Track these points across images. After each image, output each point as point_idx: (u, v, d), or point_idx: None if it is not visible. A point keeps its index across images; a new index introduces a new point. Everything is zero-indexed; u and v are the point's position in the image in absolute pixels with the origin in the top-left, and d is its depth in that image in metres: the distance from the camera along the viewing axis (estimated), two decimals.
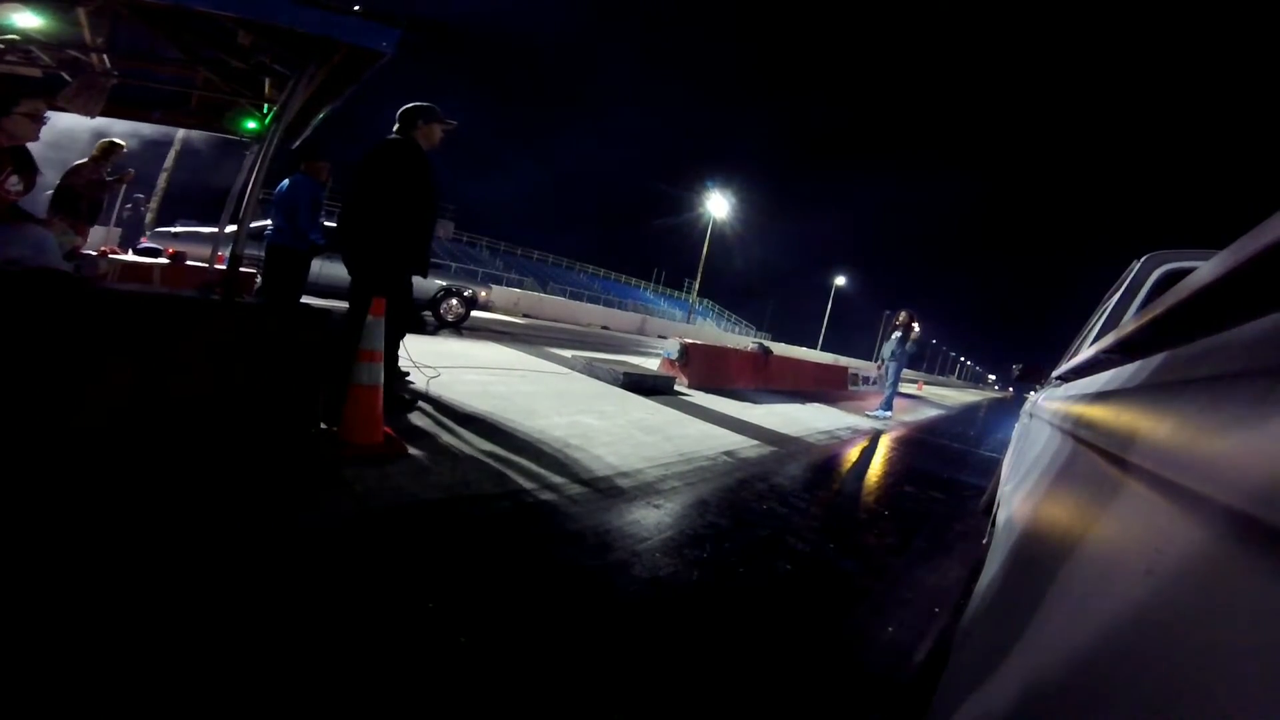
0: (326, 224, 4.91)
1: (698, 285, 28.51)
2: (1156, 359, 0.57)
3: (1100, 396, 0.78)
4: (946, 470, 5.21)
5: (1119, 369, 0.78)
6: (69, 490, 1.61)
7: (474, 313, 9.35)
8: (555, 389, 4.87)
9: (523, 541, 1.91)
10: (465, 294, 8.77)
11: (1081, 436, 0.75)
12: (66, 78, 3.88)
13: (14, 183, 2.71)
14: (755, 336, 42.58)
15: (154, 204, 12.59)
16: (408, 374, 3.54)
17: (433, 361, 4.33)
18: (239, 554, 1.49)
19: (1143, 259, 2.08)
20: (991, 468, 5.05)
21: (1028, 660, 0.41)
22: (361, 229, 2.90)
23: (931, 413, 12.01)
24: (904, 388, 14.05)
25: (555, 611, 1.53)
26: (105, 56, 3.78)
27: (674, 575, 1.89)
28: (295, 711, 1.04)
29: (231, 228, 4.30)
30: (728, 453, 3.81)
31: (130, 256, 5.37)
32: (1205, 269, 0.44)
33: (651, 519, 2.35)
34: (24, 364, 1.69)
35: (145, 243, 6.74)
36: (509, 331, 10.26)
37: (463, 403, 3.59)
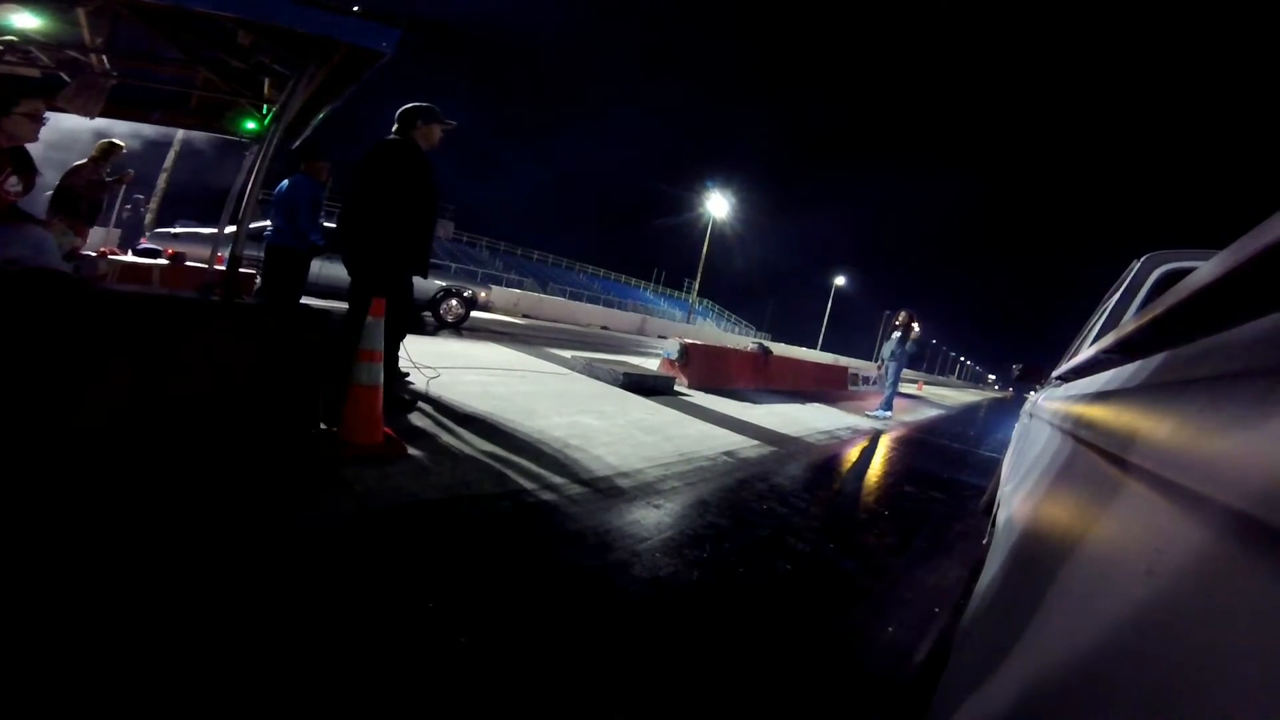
0: (326, 224, 4.91)
1: (697, 285, 28.51)
2: (1156, 359, 0.57)
3: (1100, 396, 0.78)
4: (946, 470, 5.21)
5: (1119, 369, 0.78)
6: (69, 490, 1.61)
7: (474, 313, 9.34)
8: (555, 389, 4.87)
9: (523, 541, 1.91)
10: (465, 294, 8.77)
11: (1081, 436, 0.75)
12: (66, 78, 3.88)
13: (13, 183, 2.71)
14: (755, 336, 42.59)
15: (154, 204, 12.60)
16: (408, 374, 3.54)
17: (433, 362, 4.33)
18: (239, 554, 1.49)
19: (1143, 259, 2.08)
20: (991, 468, 5.05)
21: (1028, 660, 0.41)
22: (361, 229, 2.90)
23: (931, 413, 12.01)
24: (904, 388, 14.04)
25: (555, 611, 1.53)
26: (105, 57, 3.78)
27: (674, 575, 1.89)
28: (295, 712, 1.04)
29: (231, 228, 4.30)
30: (728, 453, 3.81)
31: (130, 257, 5.38)
32: (1205, 269, 0.44)
33: (651, 519, 2.35)
34: (24, 364, 1.69)
35: (145, 243, 6.76)
36: (509, 332, 10.26)
37: (462, 403, 3.59)
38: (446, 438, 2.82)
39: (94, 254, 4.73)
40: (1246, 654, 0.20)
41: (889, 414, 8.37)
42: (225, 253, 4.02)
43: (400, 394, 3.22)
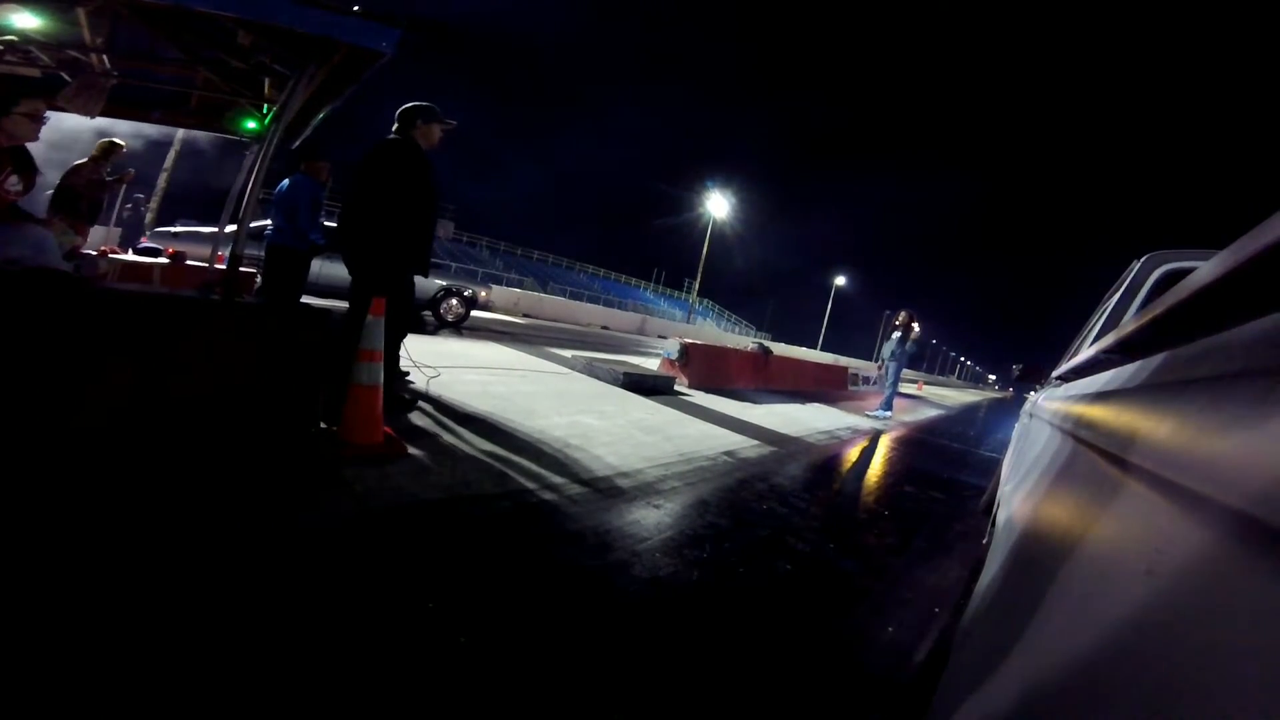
0: (326, 224, 4.91)
1: (698, 285, 28.51)
2: (1156, 359, 0.57)
3: (1100, 396, 0.78)
4: (946, 470, 5.21)
5: (1119, 369, 0.78)
6: (69, 490, 1.61)
7: (474, 313, 9.35)
8: (555, 389, 4.87)
9: (523, 541, 1.91)
10: (465, 294, 8.78)
11: (1081, 436, 0.75)
12: (66, 78, 3.87)
13: (14, 183, 2.71)
14: (755, 336, 42.58)
15: (154, 204, 12.60)
16: (408, 374, 3.54)
17: (433, 361, 4.33)
18: (239, 553, 1.49)
19: (1143, 259, 2.08)
20: (991, 468, 5.05)
21: (1028, 660, 0.41)
22: (362, 229, 2.90)
23: (931, 413, 12.01)
24: (904, 388, 14.05)
25: (555, 611, 1.53)
26: (105, 56, 3.78)
27: (674, 575, 1.89)
28: (296, 711, 1.04)
29: (231, 228, 4.30)
30: (728, 453, 3.81)
31: (130, 256, 5.37)
32: (1205, 269, 0.44)
33: (651, 519, 2.35)
34: (24, 364, 1.69)
35: (145, 242, 6.75)
36: (509, 331, 10.26)
37: (463, 403, 3.59)
38: (447, 437, 2.82)
39: (94, 253, 4.72)
40: (1246, 654, 0.20)
41: (889, 414, 8.37)
42: (225, 252, 4.02)
43: (400, 393, 3.22)
